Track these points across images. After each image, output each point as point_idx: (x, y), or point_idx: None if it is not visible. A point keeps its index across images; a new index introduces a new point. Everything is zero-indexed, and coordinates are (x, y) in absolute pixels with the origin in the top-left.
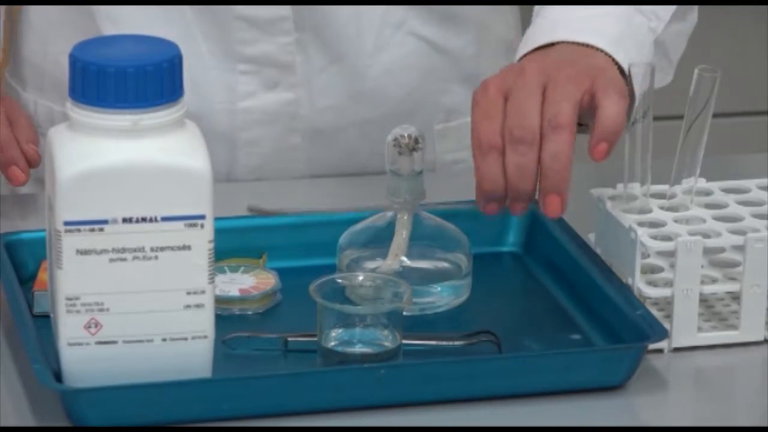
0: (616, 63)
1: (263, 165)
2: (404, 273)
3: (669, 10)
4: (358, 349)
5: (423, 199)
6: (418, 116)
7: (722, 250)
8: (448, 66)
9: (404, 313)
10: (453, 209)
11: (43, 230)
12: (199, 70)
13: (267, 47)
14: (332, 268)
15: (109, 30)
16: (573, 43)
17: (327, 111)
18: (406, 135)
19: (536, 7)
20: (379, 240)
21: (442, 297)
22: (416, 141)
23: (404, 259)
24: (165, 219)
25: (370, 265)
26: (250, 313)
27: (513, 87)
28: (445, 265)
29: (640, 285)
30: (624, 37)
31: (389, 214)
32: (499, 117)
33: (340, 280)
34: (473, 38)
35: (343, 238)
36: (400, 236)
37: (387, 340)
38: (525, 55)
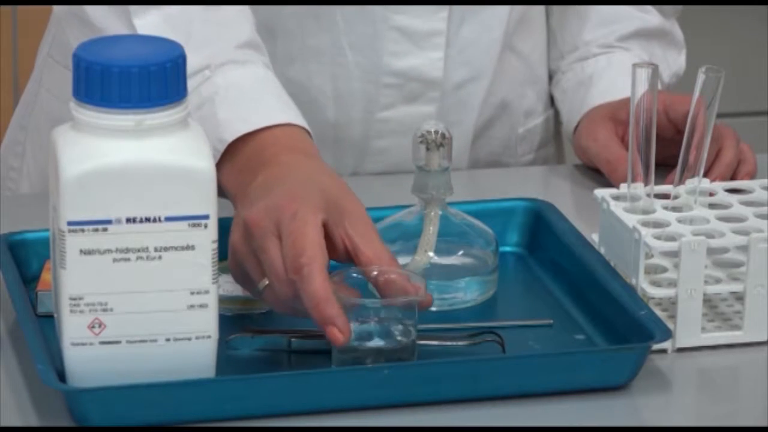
0: None
1: (386, 172)
2: (431, 268)
3: None
4: (374, 343)
5: (450, 195)
6: (506, 121)
7: (726, 250)
8: (526, 70)
9: (433, 309)
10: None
11: (47, 230)
12: (342, 81)
13: (416, 61)
14: (341, 267)
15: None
16: None
17: (455, 125)
18: (432, 131)
19: None
20: (408, 236)
21: (467, 293)
22: (443, 136)
23: (431, 254)
24: (169, 219)
25: (400, 260)
26: (254, 313)
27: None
28: (472, 260)
29: (643, 285)
30: None
31: (416, 209)
32: None
33: (355, 274)
34: (542, 41)
35: None
36: (428, 232)
37: (402, 334)
38: None
